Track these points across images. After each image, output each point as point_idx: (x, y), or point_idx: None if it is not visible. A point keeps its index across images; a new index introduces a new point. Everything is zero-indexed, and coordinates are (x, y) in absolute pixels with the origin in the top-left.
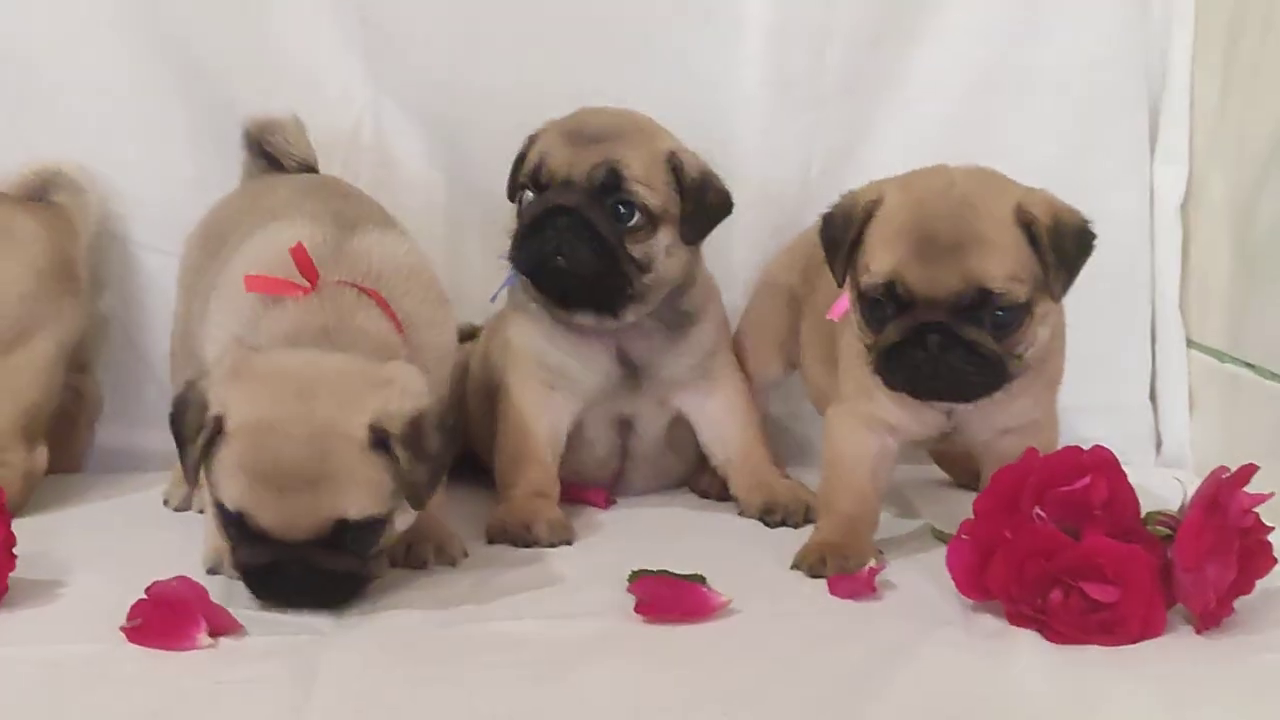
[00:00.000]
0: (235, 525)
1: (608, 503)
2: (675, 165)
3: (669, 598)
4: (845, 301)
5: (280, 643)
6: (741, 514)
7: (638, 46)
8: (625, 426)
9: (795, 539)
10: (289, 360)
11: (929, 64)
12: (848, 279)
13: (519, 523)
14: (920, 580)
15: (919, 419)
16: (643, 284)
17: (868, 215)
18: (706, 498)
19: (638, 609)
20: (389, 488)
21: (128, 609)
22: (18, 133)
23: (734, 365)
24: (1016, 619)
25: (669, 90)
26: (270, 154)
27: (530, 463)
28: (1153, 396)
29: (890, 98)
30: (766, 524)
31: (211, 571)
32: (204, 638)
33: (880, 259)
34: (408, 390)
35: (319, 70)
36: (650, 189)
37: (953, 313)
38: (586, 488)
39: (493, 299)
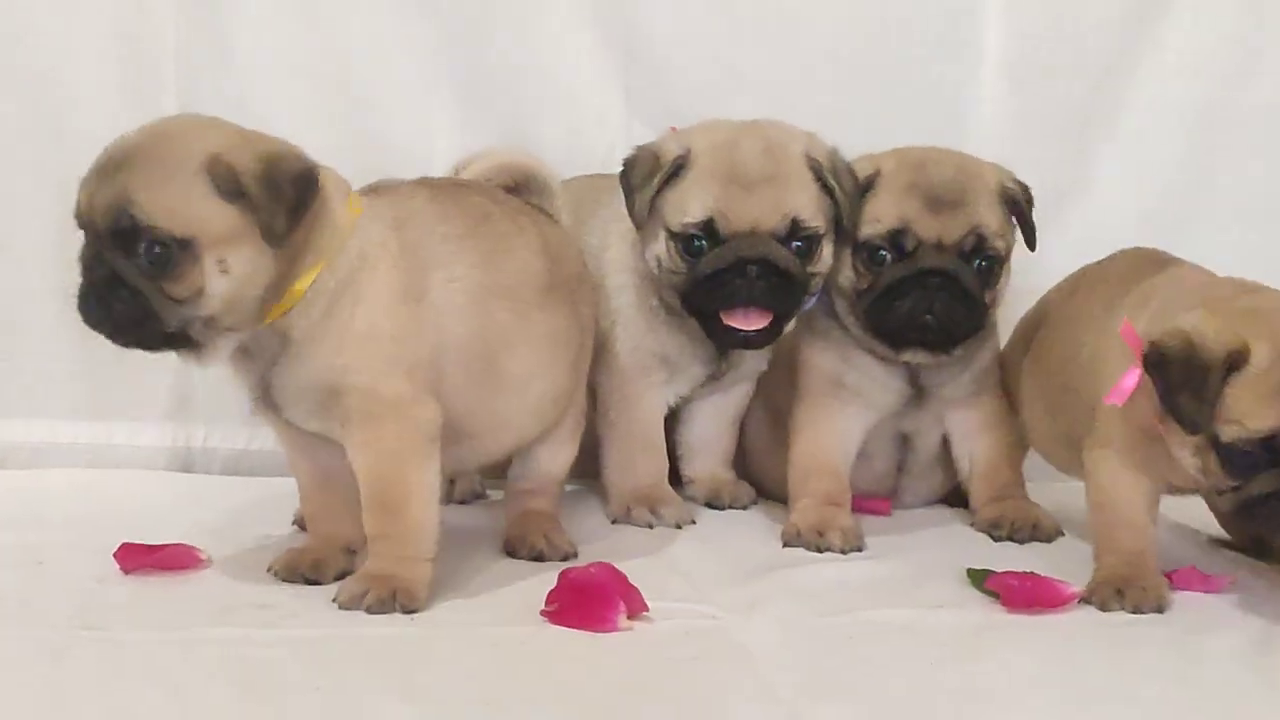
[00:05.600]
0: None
1: (890, 510)
2: (1009, 196)
3: (1029, 589)
4: (1125, 387)
5: (689, 624)
6: (972, 525)
7: (885, 79)
8: (903, 442)
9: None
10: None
11: (1148, 101)
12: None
13: (812, 529)
14: (1255, 582)
15: (1191, 480)
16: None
17: (1230, 366)
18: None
19: (1003, 600)
20: None
21: (543, 594)
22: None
23: (998, 382)
24: None
25: (913, 120)
26: None
27: (823, 474)
28: None
29: (1113, 133)
30: (993, 538)
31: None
32: (624, 620)
33: (1262, 417)
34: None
35: (581, 93)
36: (1002, 237)
37: None
38: (869, 497)
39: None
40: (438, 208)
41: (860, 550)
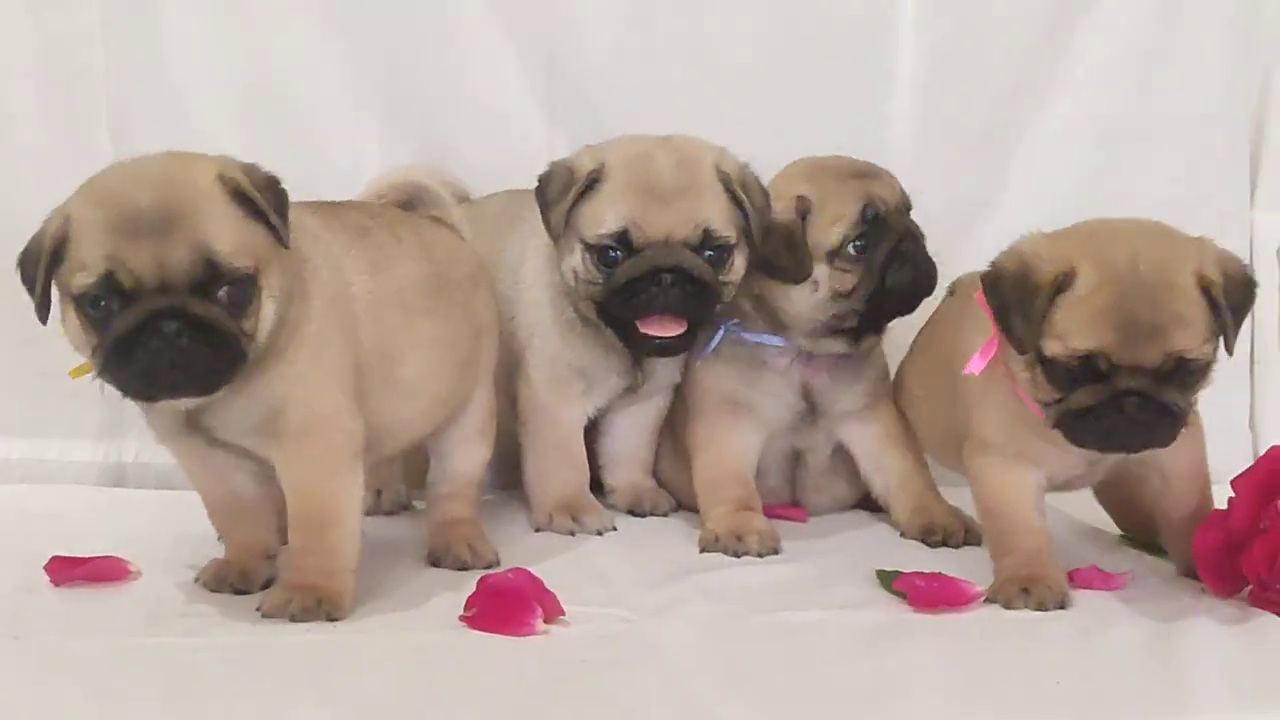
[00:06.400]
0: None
1: (805, 517)
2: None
3: (935, 589)
4: (983, 357)
5: (605, 628)
6: (903, 535)
7: (798, 96)
8: (796, 458)
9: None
10: None
11: (1059, 115)
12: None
13: (730, 533)
14: (1152, 578)
15: (1066, 462)
16: None
17: (1057, 288)
18: None
19: (910, 600)
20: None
21: (463, 600)
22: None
23: (889, 393)
24: (1260, 603)
25: (825, 135)
26: None
27: (731, 482)
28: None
29: (1023, 147)
30: (928, 544)
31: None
32: (540, 623)
33: (1082, 337)
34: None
35: (503, 110)
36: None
37: (1153, 379)
38: (783, 505)
39: (706, 351)
40: (320, 221)
41: (777, 553)
